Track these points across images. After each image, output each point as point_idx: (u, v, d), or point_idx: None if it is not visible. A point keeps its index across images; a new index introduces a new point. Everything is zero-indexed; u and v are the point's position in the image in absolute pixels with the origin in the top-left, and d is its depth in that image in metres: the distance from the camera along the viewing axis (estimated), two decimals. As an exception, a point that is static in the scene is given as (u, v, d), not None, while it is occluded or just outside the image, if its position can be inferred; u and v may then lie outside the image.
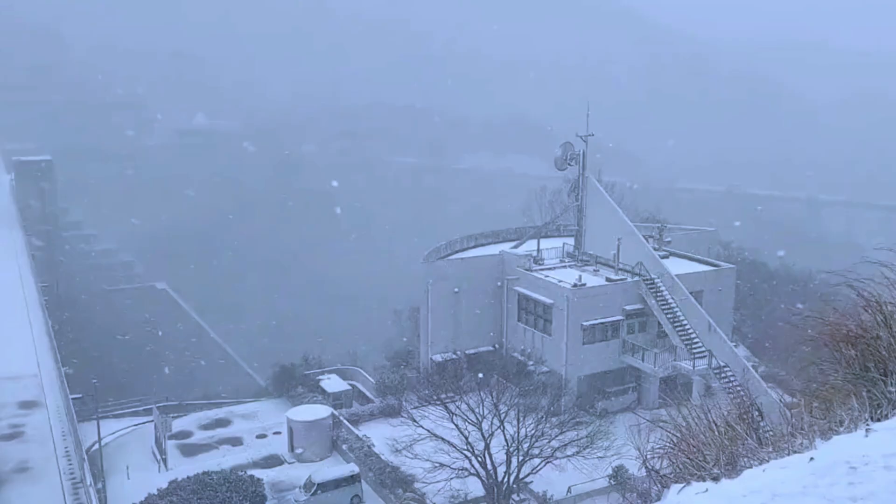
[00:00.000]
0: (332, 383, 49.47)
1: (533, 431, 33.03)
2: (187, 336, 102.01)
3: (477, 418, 33.46)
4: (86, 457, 37.04)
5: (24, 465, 38.10)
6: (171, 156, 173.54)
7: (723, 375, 41.13)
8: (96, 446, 39.34)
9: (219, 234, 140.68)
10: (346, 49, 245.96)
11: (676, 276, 45.78)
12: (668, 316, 44.21)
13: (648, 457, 6.77)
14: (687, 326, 43.77)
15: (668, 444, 6.29)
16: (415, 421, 34.76)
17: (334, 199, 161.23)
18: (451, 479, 32.82)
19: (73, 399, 42.96)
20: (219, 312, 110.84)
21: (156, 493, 32.08)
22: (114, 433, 44.17)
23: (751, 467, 4.63)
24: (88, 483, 34.17)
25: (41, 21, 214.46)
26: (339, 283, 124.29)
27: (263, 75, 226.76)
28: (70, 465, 38.06)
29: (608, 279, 46.25)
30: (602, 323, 44.96)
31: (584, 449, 33.06)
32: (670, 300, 44.68)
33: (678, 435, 6.20)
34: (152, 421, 42.88)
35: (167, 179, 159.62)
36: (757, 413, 6.33)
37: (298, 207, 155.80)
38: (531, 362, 46.09)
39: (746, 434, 5.67)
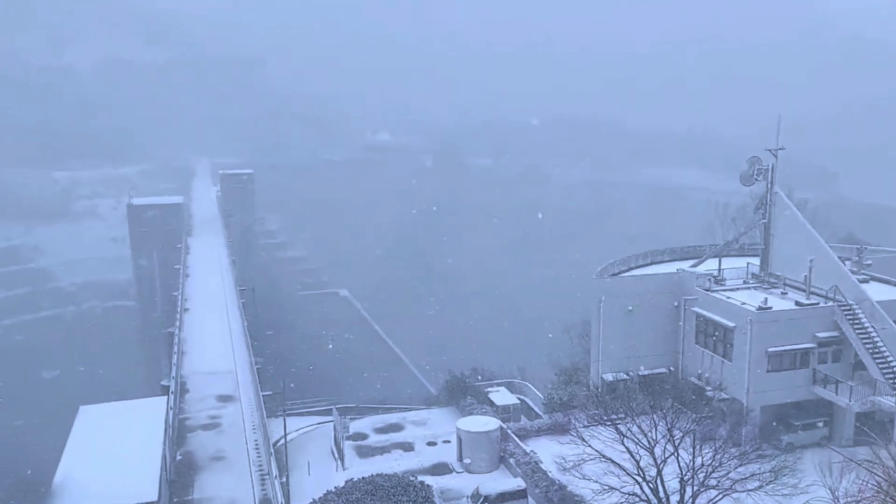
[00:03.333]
0: (501, 396, 49.77)
1: (710, 461, 31.32)
2: (365, 342, 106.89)
3: (649, 442, 32.26)
4: (272, 451, 39.70)
5: (220, 455, 41.57)
6: (356, 170, 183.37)
7: (933, 415, 36.94)
8: (282, 441, 42.10)
9: (397, 246, 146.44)
10: (524, 62, 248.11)
11: (878, 302, 41.78)
12: (868, 346, 40.41)
13: (848, 500, 6.25)
14: (889, 358, 39.81)
15: (872, 487, 5.77)
16: (583, 440, 34.06)
17: (508, 213, 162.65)
18: (621, 503, 31.85)
19: (263, 395, 46.27)
20: (395, 320, 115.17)
21: (333, 490, 33.69)
22: (297, 430, 47.07)
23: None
24: (274, 475, 36.61)
25: (244, 45, 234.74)
26: (510, 295, 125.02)
27: (443, 91, 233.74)
28: (259, 457, 41.04)
29: (798, 303, 43.06)
30: (790, 350, 41.88)
31: (767, 484, 30.84)
32: (870, 329, 40.84)
33: (885, 477, 5.67)
34: (332, 421, 45.24)
35: (352, 192, 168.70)
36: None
37: (473, 220, 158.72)
38: (709, 388, 43.83)
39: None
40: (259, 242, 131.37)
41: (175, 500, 36.66)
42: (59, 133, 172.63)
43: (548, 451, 39.44)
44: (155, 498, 30.96)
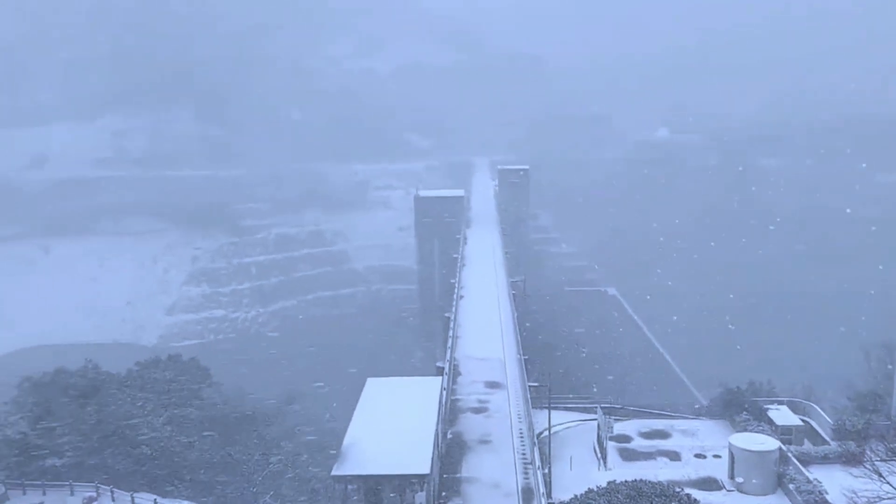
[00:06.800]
0: (782, 415, 45.92)
1: None
2: (631, 342, 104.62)
3: (968, 489, 27.77)
4: (536, 441, 40.44)
5: (486, 438, 43.31)
6: (632, 168, 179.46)
7: None
8: (545, 433, 42.72)
9: (670, 247, 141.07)
10: (820, 60, 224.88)
11: None
12: None
13: None
14: None
15: None
16: (881, 475, 30.33)
17: (798, 218, 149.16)
18: (925, 554, 27.81)
19: (529, 386, 47.29)
20: (664, 324, 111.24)
21: (595, 489, 33.40)
22: (561, 424, 47.46)
23: None
24: (537, 465, 37.27)
25: (526, 45, 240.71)
26: (797, 308, 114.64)
27: (731, 90, 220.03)
28: (522, 445, 42.05)
29: None
30: None
31: None
32: None
33: None
34: (595, 420, 44.95)
35: (626, 190, 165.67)
36: None
37: (758, 225, 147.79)
38: None
39: None
40: (531, 237, 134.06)
41: (444, 475, 38.88)
42: (360, 130, 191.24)
43: (835, 483, 35.66)
44: (427, 471, 33.07)
